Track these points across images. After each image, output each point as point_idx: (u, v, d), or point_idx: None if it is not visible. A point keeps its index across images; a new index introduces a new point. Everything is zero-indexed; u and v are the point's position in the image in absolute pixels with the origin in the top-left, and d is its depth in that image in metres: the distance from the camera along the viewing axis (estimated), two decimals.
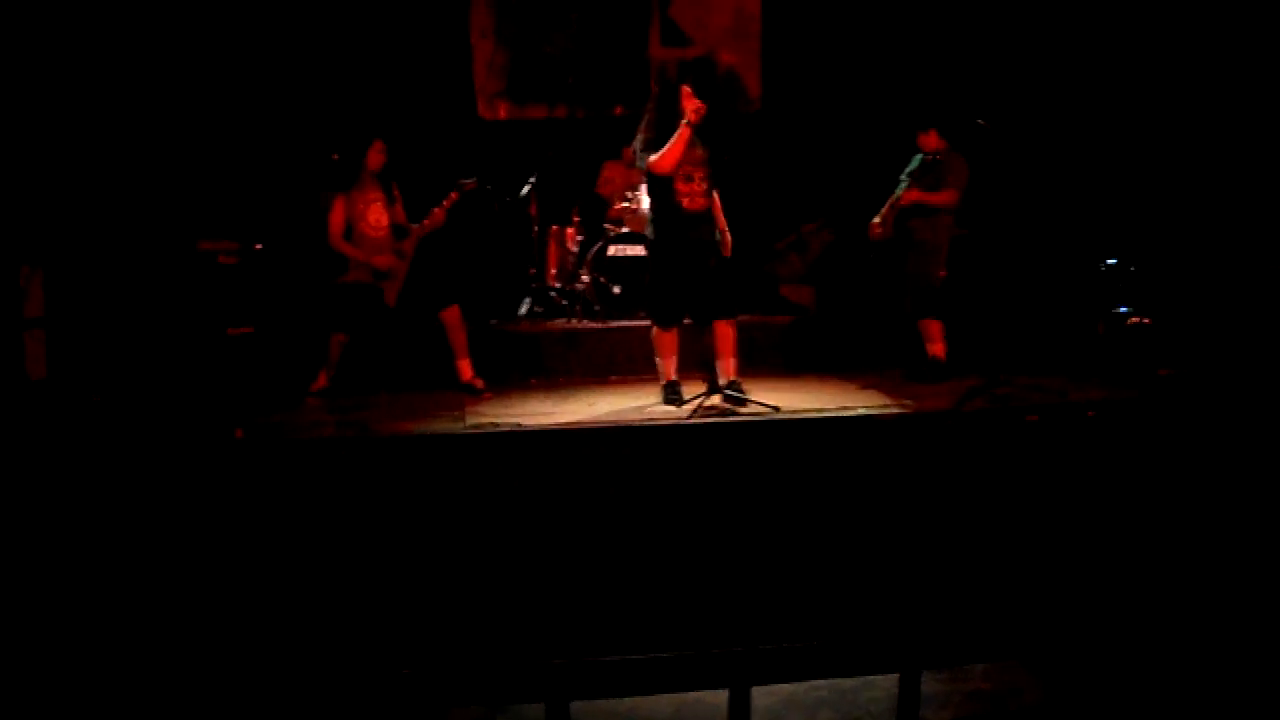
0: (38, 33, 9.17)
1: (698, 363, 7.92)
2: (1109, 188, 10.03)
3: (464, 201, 8.59)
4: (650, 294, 8.01)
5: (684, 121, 7.49)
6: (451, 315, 8.41)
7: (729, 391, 7.60)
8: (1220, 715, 4.16)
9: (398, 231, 8.50)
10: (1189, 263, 9.65)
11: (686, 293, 7.70)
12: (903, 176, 8.94)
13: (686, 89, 7.64)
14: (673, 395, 7.79)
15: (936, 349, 8.74)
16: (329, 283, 8.52)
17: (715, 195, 7.78)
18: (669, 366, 7.90)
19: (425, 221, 8.44)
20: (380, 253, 8.36)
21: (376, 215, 8.46)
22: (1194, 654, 4.38)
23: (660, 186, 7.74)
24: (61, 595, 5.46)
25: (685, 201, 7.63)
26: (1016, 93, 10.13)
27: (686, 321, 7.87)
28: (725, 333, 7.74)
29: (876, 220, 8.83)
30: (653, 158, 7.59)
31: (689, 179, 7.59)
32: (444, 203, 8.45)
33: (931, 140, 8.75)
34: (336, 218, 8.37)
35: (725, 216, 7.88)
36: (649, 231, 8.00)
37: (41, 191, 9.02)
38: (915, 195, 8.68)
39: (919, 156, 8.90)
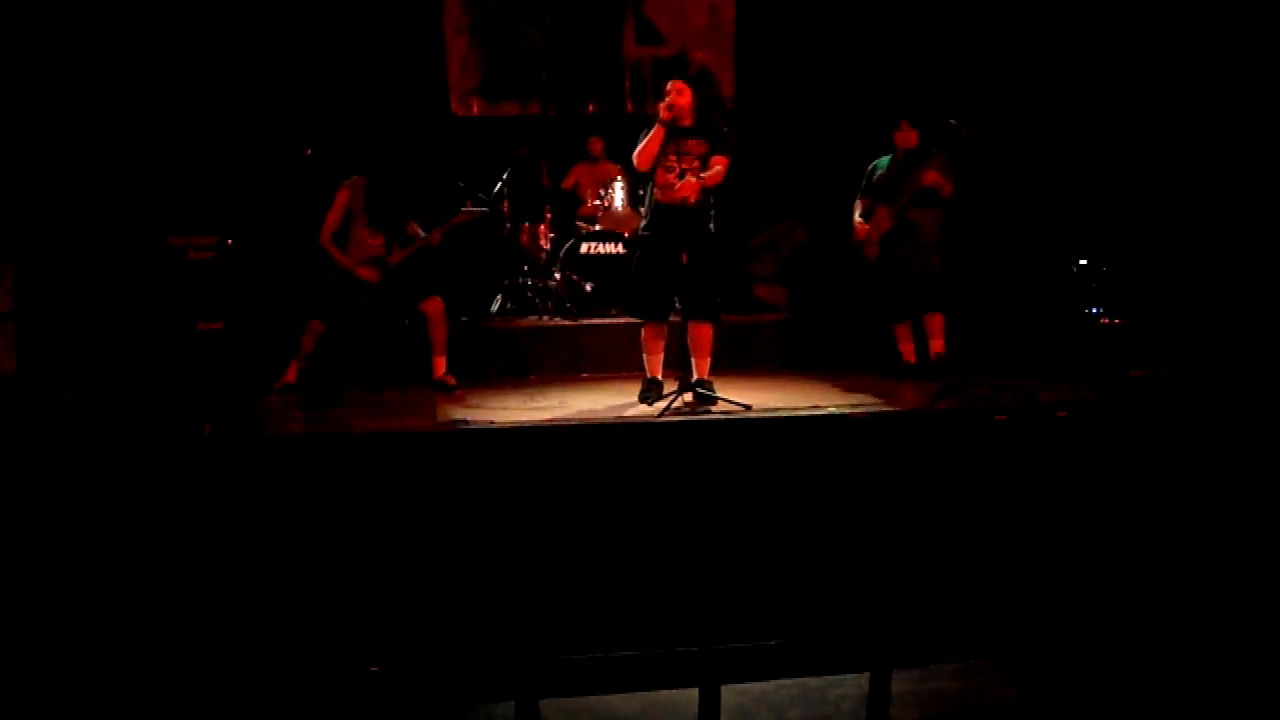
0: (8, 29, 9.12)
1: (679, 362, 7.91)
2: (1081, 189, 10.07)
3: (461, 225, 8.61)
4: (627, 284, 8.02)
5: (657, 121, 7.51)
6: (434, 309, 8.39)
7: (699, 390, 7.60)
8: (1192, 712, 4.18)
9: (396, 239, 8.47)
10: (1161, 264, 9.69)
11: (660, 287, 7.68)
12: (870, 181, 8.97)
13: (673, 84, 7.63)
14: (648, 393, 7.78)
15: (939, 344, 8.79)
16: (310, 273, 8.49)
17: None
18: (651, 363, 7.88)
19: (423, 238, 8.43)
20: (365, 264, 8.34)
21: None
22: (1165, 653, 4.40)
23: (645, 179, 7.77)
24: (29, 591, 5.42)
25: (659, 194, 7.62)
26: (989, 94, 10.17)
27: (674, 319, 7.85)
28: (699, 333, 7.72)
29: (869, 237, 8.87)
30: (633, 155, 7.63)
31: (669, 171, 7.57)
32: (444, 225, 8.44)
33: (914, 138, 8.76)
34: (334, 215, 8.33)
35: (709, 214, 7.79)
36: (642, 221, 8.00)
37: (11, 185, 8.96)
38: (935, 178, 8.56)
39: (885, 159, 8.93)
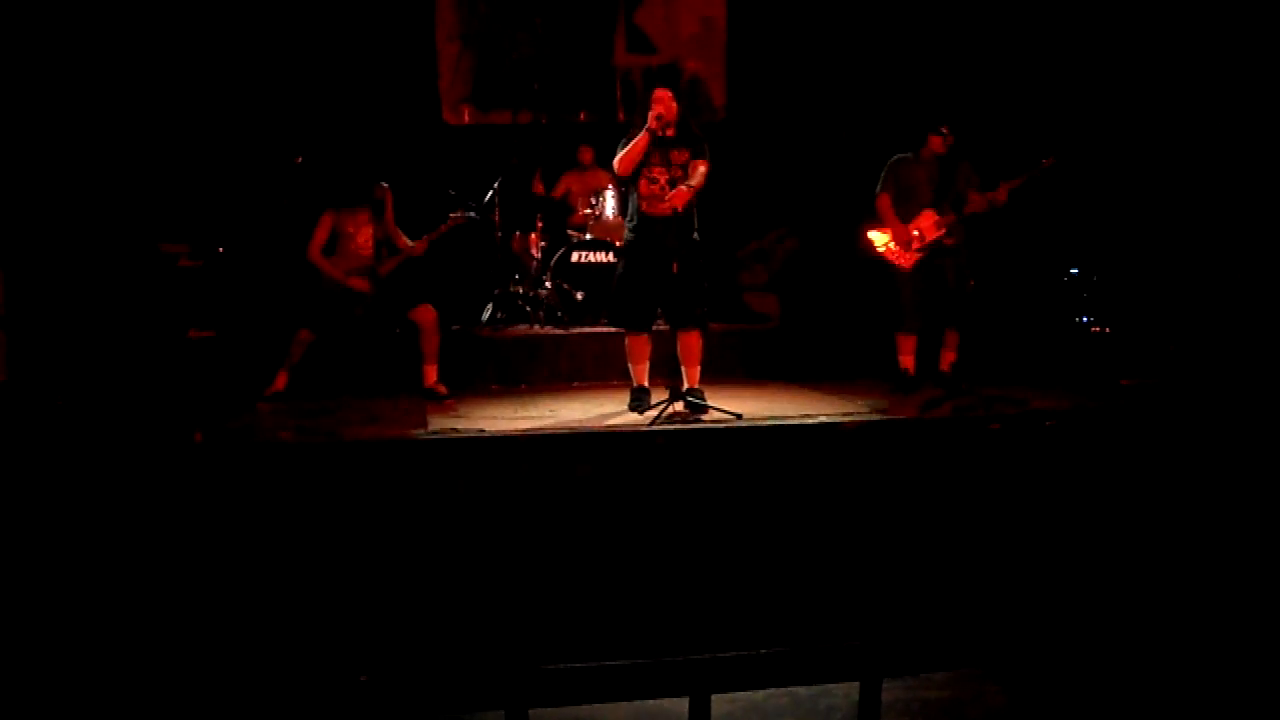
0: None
1: (670, 371, 7.92)
2: (1072, 198, 10.09)
3: (447, 233, 8.59)
4: (611, 295, 8.03)
5: (644, 128, 7.51)
6: (427, 318, 8.37)
7: (689, 399, 7.59)
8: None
9: (385, 247, 8.48)
10: (1152, 274, 9.71)
11: (645, 297, 7.70)
12: (898, 179, 8.61)
13: (659, 93, 7.64)
14: (637, 402, 7.78)
15: (953, 356, 8.66)
16: (301, 282, 8.48)
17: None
18: (638, 372, 7.88)
19: (409, 248, 8.43)
20: (357, 274, 8.34)
21: (365, 235, 8.44)
22: (1153, 661, 4.40)
23: (630, 189, 7.78)
24: (22, 598, 5.41)
25: (644, 205, 7.64)
26: (979, 102, 10.18)
27: (659, 327, 7.87)
28: (688, 342, 7.73)
29: (909, 244, 8.54)
30: (615, 160, 7.66)
31: (653, 181, 7.59)
32: (432, 234, 8.44)
33: (950, 142, 8.48)
34: (321, 232, 8.34)
35: (693, 222, 7.77)
36: (625, 233, 7.99)
37: (1, 192, 8.96)
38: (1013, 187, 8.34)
39: (907, 156, 8.62)
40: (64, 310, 9.07)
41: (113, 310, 9.22)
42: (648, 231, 7.64)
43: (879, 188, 8.67)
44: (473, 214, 8.79)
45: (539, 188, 11.09)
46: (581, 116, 11.72)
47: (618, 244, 9.88)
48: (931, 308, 8.61)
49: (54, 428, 7.50)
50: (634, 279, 7.73)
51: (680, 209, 7.40)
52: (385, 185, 8.54)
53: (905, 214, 8.57)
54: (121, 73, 9.73)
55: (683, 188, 7.41)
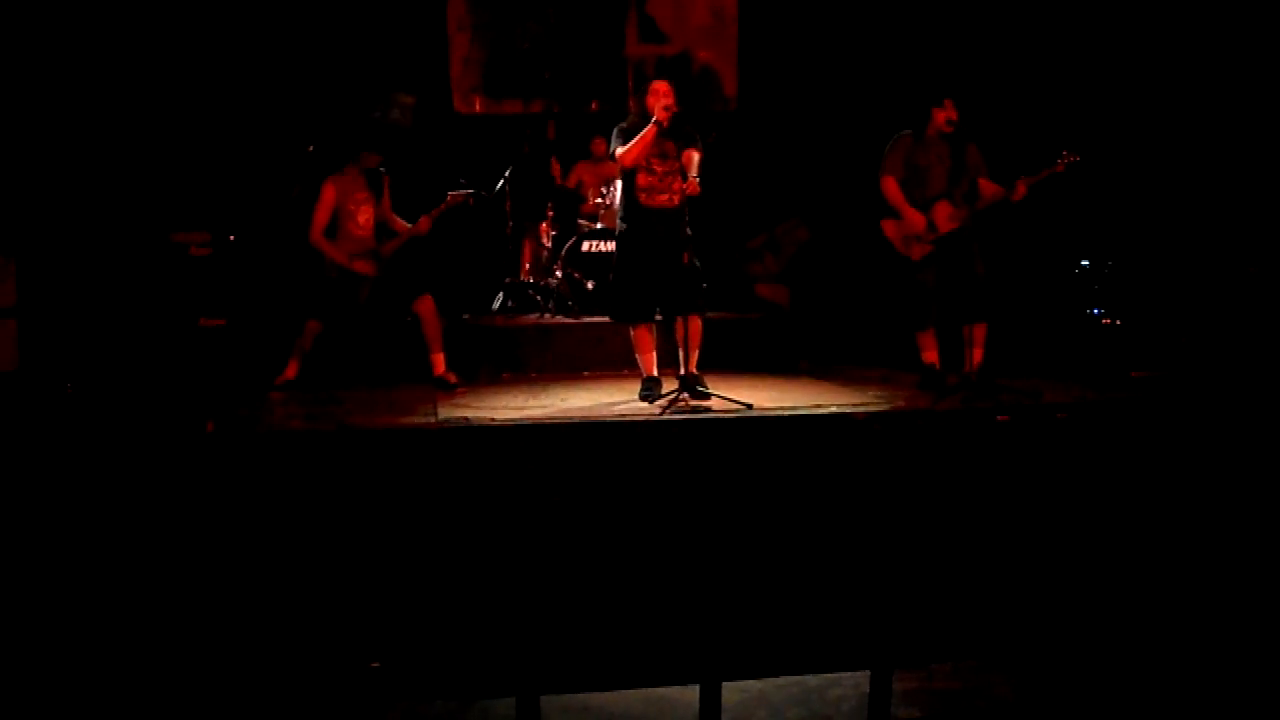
0: (10, 27, 9.13)
1: (667, 356, 7.92)
2: (1084, 190, 10.06)
3: (450, 210, 8.58)
4: (611, 288, 8.02)
5: (653, 120, 7.52)
6: (426, 308, 8.38)
7: (699, 388, 7.59)
8: (1189, 711, 4.18)
9: (383, 231, 8.50)
10: (1163, 266, 9.69)
11: (646, 289, 7.70)
12: (907, 161, 8.19)
13: (657, 85, 7.65)
14: (648, 391, 7.78)
15: (980, 354, 8.07)
16: (308, 272, 8.49)
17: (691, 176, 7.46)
18: (646, 362, 7.89)
19: (412, 227, 8.43)
20: (359, 257, 8.35)
21: (365, 215, 8.44)
22: (1162, 652, 4.40)
23: (626, 181, 7.79)
24: (30, 587, 5.42)
25: (643, 198, 7.67)
26: (990, 92, 10.15)
27: (659, 318, 7.87)
28: (694, 327, 7.71)
29: (922, 234, 8.11)
30: (619, 150, 7.67)
31: (651, 173, 7.61)
32: (433, 211, 8.44)
33: (955, 116, 8.08)
34: (323, 212, 8.32)
35: (700, 217, 7.77)
36: (618, 226, 8.00)
37: (13, 181, 8.97)
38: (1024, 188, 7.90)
39: (909, 134, 8.24)
40: (75, 299, 9.08)
41: (123, 299, 9.23)
42: (644, 223, 7.67)
43: (884, 169, 8.25)
44: (470, 191, 8.76)
45: (557, 177, 11.09)
46: (593, 106, 11.72)
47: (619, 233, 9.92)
48: (951, 299, 8.18)
49: (65, 416, 7.52)
50: (634, 271, 7.75)
51: (694, 196, 7.43)
52: (382, 170, 8.56)
53: (917, 200, 8.16)
54: (132, 61, 9.74)
55: (694, 180, 7.41)
